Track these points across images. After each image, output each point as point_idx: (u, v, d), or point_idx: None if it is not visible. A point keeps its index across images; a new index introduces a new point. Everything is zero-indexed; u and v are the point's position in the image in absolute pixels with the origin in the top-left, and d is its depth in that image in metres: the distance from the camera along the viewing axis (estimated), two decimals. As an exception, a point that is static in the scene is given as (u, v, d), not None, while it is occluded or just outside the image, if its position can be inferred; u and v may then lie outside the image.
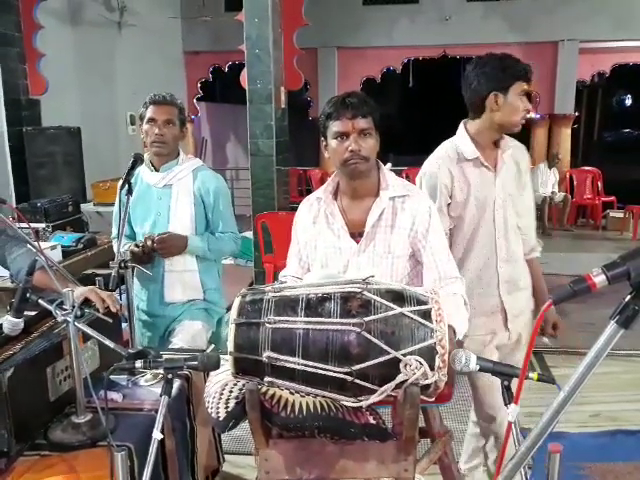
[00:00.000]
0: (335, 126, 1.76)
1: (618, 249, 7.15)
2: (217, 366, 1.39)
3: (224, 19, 8.27)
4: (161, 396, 1.33)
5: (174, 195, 2.46)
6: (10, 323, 1.63)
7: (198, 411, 1.95)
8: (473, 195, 2.05)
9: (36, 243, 1.86)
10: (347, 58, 9.65)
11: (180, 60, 8.90)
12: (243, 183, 8.73)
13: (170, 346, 2.39)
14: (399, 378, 1.38)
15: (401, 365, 1.38)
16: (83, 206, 5.54)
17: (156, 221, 2.48)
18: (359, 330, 1.39)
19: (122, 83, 7.26)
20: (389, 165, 7.04)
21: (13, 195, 5.28)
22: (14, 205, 4.67)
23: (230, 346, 1.41)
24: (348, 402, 1.43)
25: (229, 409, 1.46)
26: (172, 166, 2.48)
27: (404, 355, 1.38)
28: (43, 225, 3.92)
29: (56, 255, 3.40)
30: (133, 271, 2.22)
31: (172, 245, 2.38)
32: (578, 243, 8.14)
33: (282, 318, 1.41)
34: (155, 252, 2.36)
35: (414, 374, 1.37)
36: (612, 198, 9.09)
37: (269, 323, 1.41)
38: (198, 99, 10.17)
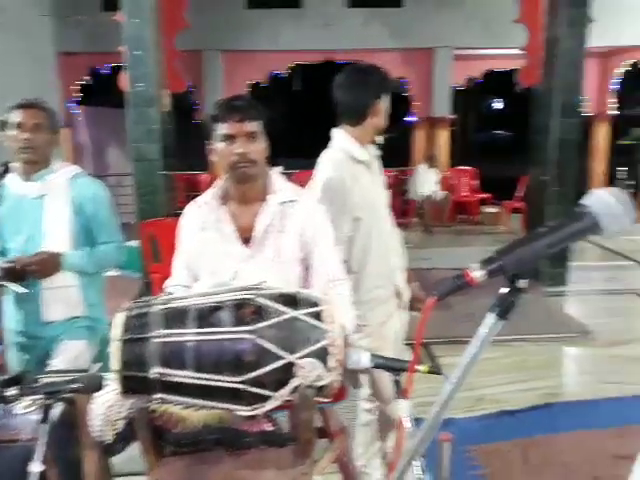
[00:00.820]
0: (222, 129, 1.73)
1: (494, 242, 7.70)
2: (101, 387, 1.31)
3: (101, 19, 7.88)
4: (40, 424, 1.23)
5: (49, 206, 2.27)
6: None
7: (84, 435, 1.82)
8: (366, 195, 2.14)
9: None
10: (232, 61, 9.57)
11: (52, 62, 8.32)
12: (127, 190, 8.36)
13: (50, 368, 2.22)
14: (294, 382, 1.38)
15: (295, 369, 1.37)
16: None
17: (30, 235, 2.27)
18: (253, 337, 1.36)
19: (-14, 85, 6.67)
20: (280, 168, 7.07)
21: None
22: None
23: (115, 364, 1.33)
24: (243, 411, 1.40)
25: (117, 431, 1.38)
26: (46, 174, 2.29)
27: (298, 358, 1.37)
28: None
29: None
30: (4, 290, 2.03)
31: (45, 267, 2.18)
32: (458, 238, 8.67)
33: (171, 331, 1.36)
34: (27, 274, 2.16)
35: (309, 377, 1.37)
36: (487, 195, 9.78)
37: (157, 337, 1.35)
38: (75, 103, 9.60)
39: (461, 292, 0.88)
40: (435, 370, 1.39)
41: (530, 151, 6.03)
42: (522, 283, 0.82)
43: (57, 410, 1.60)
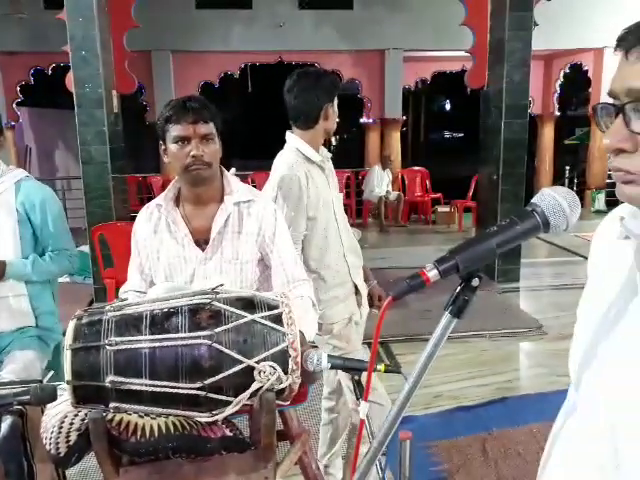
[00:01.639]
0: (175, 130, 1.70)
1: (447, 241, 7.86)
2: (53, 397, 1.26)
3: (44, 17, 7.63)
4: (-13, 439, 1.18)
5: None
6: None
7: (36, 448, 1.76)
8: (321, 195, 2.16)
9: None
10: (183, 62, 9.43)
11: (-7, 61, 8.02)
12: (76, 193, 8.12)
13: (-2, 380, 2.13)
14: (254, 386, 1.37)
15: (255, 373, 1.36)
16: None
17: None
18: (210, 342, 1.34)
19: None
20: (233, 170, 7.00)
21: None
22: None
23: (67, 374, 1.29)
24: (202, 417, 1.38)
25: (70, 443, 1.33)
26: None
27: (257, 362, 1.36)
28: None
29: None
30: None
31: None
32: (412, 237, 8.81)
33: (125, 339, 1.32)
34: None
35: (268, 380, 1.37)
36: (439, 195, 9.97)
37: (110, 345, 1.31)
38: (18, 104, 9.27)
39: (417, 291, 0.89)
40: (393, 369, 1.40)
41: (480, 151, 6.18)
42: (475, 281, 0.84)
43: (7, 423, 1.54)
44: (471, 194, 8.95)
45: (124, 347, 1.32)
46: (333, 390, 2.40)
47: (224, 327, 1.37)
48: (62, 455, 1.34)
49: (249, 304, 1.45)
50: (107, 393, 1.30)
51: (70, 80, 4.98)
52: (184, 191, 1.81)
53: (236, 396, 1.37)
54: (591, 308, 0.82)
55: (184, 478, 1.42)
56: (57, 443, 1.34)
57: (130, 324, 1.35)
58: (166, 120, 1.72)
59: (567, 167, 11.11)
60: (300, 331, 1.51)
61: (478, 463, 2.70)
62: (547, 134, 11.07)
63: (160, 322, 1.36)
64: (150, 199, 1.92)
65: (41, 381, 1.98)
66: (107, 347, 1.31)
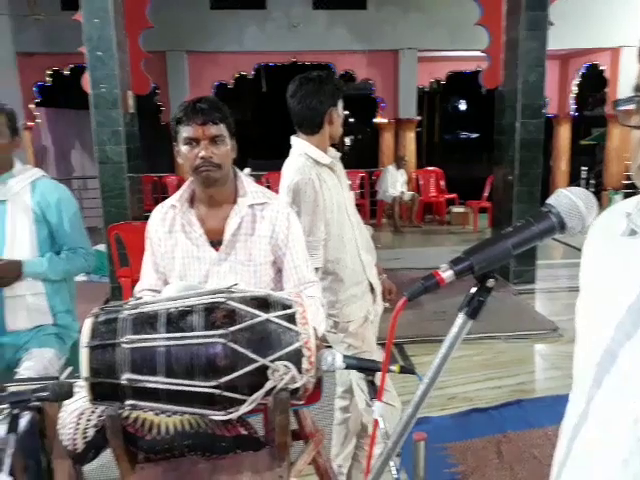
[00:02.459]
0: (185, 132, 1.71)
1: (462, 242, 7.83)
2: (70, 394, 1.28)
3: (61, 18, 7.71)
4: (7, 434, 1.19)
5: (10, 212, 2.21)
6: None
7: (54, 444, 1.78)
8: (334, 197, 2.17)
9: None
10: (198, 63, 9.48)
11: (11, 62, 8.12)
12: (92, 193, 8.20)
13: (17, 377, 2.16)
14: (268, 385, 1.37)
15: (269, 372, 1.37)
16: None
17: None
18: (225, 341, 1.35)
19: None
20: (248, 170, 7.03)
21: None
22: None
23: (84, 371, 1.31)
24: (217, 416, 1.39)
25: (88, 439, 1.35)
26: (6, 179, 2.22)
27: (272, 361, 1.37)
28: None
29: None
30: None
31: (3, 276, 2.12)
32: (426, 238, 8.77)
33: (141, 337, 1.34)
34: None
35: (283, 379, 1.37)
36: (454, 195, 9.92)
37: (126, 343, 1.32)
38: (36, 104, 9.37)
39: (431, 292, 0.89)
40: (408, 369, 1.40)
41: (495, 151, 6.14)
42: (490, 282, 0.84)
43: (25, 419, 1.56)
44: (486, 195, 8.90)
45: (140, 345, 1.33)
46: (347, 389, 2.41)
47: (239, 326, 1.38)
48: (79, 451, 1.36)
49: (263, 303, 1.46)
50: (123, 391, 1.32)
51: (86, 81, 5.04)
52: (198, 192, 1.83)
53: (251, 395, 1.38)
54: (601, 307, 0.81)
55: (199, 476, 1.43)
56: (74, 439, 1.36)
57: (146, 322, 1.37)
58: (177, 121, 1.73)
59: (583, 168, 11.00)
60: (315, 330, 1.52)
61: (493, 465, 2.69)
62: (563, 134, 10.97)
63: (176, 321, 1.38)
64: (165, 199, 1.94)
65: (58, 378, 2.01)
66: (123, 345, 1.32)
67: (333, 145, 2.31)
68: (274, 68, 10.38)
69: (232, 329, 1.37)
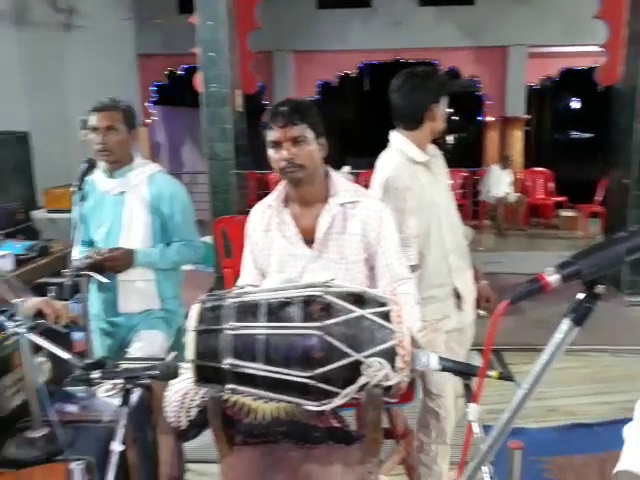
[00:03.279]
0: (270, 135, 1.77)
1: (570, 247, 7.40)
2: (176, 375, 1.37)
3: (177, 21, 8.17)
4: (121, 407, 1.30)
5: (128, 203, 2.38)
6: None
7: (159, 421, 1.91)
8: (426, 196, 2.14)
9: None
10: (303, 61, 9.68)
11: (133, 63, 8.72)
12: (201, 187, 8.63)
13: (128, 355, 2.33)
14: (361, 380, 1.39)
15: (363, 367, 1.38)
16: (34, 213, 5.37)
17: (110, 230, 2.40)
18: (321, 334, 1.38)
19: (73, 87, 7.06)
20: (347, 169, 7.07)
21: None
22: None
23: (190, 354, 1.39)
24: (311, 406, 1.42)
25: (191, 417, 1.44)
26: (125, 172, 2.40)
27: (366, 357, 1.38)
28: (-8, 234, 3.77)
29: (8, 264, 3.28)
30: (88, 280, 2.16)
31: (119, 264, 2.30)
32: (532, 242, 8.39)
33: (243, 324, 1.40)
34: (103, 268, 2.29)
35: (376, 376, 1.38)
36: (563, 198, 9.40)
37: (230, 329, 1.39)
38: (153, 103, 10.00)
39: (535, 297, 0.86)
40: (506, 376, 1.36)
41: (611, 153, 5.75)
42: (599, 289, 0.80)
43: (136, 395, 1.69)
44: (599, 199, 8.35)
45: (242, 332, 1.39)
46: (439, 392, 2.36)
47: (334, 320, 1.41)
48: (183, 428, 1.45)
49: (359, 299, 1.47)
50: (225, 374, 1.39)
51: (198, 80, 5.30)
52: (290, 192, 1.88)
53: (344, 389, 1.40)
54: None
55: (292, 462, 1.48)
56: (179, 417, 1.45)
57: (248, 311, 1.43)
58: (264, 126, 1.79)
59: None
60: (409, 329, 1.51)
61: (595, 484, 2.54)
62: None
63: (275, 311, 1.42)
64: (267, 195, 2.01)
65: (164, 359, 2.15)
66: (227, 331, 1.39)
67: (435, 141, 2.27)
68: (377, 66, 10.36)
69: (328, 322, 1.39)
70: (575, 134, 23.62)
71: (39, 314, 1.75)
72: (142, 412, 1.81)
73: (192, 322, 1.41)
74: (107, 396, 1.82)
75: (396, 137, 2.20)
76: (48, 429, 1.57)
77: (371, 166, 2.37)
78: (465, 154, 14.29)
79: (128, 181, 2.40)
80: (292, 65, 9.73)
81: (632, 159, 5.23)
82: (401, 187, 2.07)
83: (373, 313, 1.43)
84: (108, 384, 1.84)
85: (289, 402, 1.43)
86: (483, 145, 10.23)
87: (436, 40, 9.10)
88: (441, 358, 1.39)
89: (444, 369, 1.39)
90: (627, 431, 1.13)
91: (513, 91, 9.49)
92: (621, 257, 0.78)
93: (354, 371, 1.39)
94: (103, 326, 2.48)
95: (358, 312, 1.42)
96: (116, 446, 1.23)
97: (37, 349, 1.57)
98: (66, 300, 1.90)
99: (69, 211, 2.53)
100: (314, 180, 1.82)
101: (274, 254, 1.87)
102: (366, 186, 2.10)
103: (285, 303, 1.45)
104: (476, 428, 1.21)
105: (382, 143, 2.29)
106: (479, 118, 10.32)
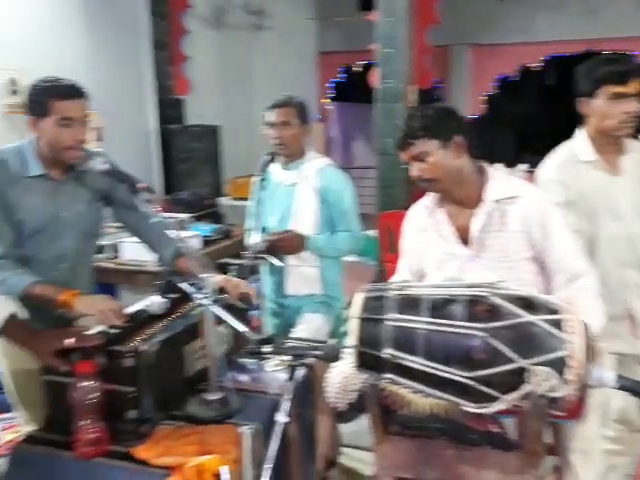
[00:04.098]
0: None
1: None
2: (338, 358, 1.43)
3: (357, 19, 8.37)
4: (287, 381, 1.40)
5: (299, 193, 2.55)
6: (156, 303, 1.80)
7: (319, 401, 2.01)
8: (589, 198, 1.97)
9: (180, 231, 2.03)
10: (481, 55, 9.33)
11: (313, 60, 9.14)
12: (369, 182, 8.79)
13: (293, 335, 2.49)
14: (525, 388, 1.33)
15: (528, 375, 1.32)
16: (219, 199, 5.91)
17: (282, 217, 2.58)
18: (485, 335, 1.35)
19: (258, 84, 7.60)
20: (524, 167, 6.70)
21: (160, 187, 5.74)
22: (160, 196, 5.13)
23: (353, 339, 1.44)
24: (469, 407, 1.40)
25: (350, 401, 1.49)
26: (299, 165, 2.57)
27: (532, 365, 1.32)
28: (185, 216, 4.23)
29: (197, 243, 3.68)
30: (264, 262, 2.33)
31: (290, 245, 2.46)
32: None
33: (404, 317, 1.42)
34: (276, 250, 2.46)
35: (541, 385, 1.31)
36: None
37: (391, 320, 1.42)
38: (329, 99, 10.38)
39: None
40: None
41: None
42: None
43: (300, 372, 1.80)
44: None
45: (403, 324, 1.41)
46: (620, 417, 2.13)
47: (500, 323, 1.36)
48: (342, 410, 1.51)
49: (528, 304, 1.41)
50: (384, 364, 1.42)
51: (374, 76, 5.39)
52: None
53: (505, 394, 1.36)
54: None
55: (445, 461, 1.47)
56: (338, 398, 1.51)
57: (410, 304, 1.44)
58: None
59: None
60: (586, 327, 1.40)
61: None
62: None
63: (438, 307, 1.42)
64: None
65: (326, 342, 2.26)
66: (388, 322, 1.42)
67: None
68: (564, 59, 9.64)
69: (493, 325, 1.36)
70: None
71: (221, 290, 1.95)
72: (304, 390, 1.92)
73: (356, 309, 1.46)
74: (274, 370, 1.97)
75: (577, 133, 2.06)
76: (223, 394, 1.75)
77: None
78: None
79: (300, 173, 2.56)
80: (470, 59, 9.44)
81: None
82: (555, 188, 1.94)
83: (543, 320, 1.36)
84: (276, 359, 1.99)
85: (447, 400, 1.42)
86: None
87: (637, 29, 8.20)
88: (620, 376, 1.28)
89: (622, 388, 1.27)
90: None
91: None
92: None
93: (518, 378, 1.33)
94: (272, 306, 2.68)
95: (527, 318, 1.37)
96: (281, 417, 1.33)
97: (219, 321, 1.74)
98: (244, 279, 2.08)
99: (248, 199, 2.76)
100: (461, 182, 1.78)
101: (431, 254, 1.87)
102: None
103: (449, 300, 1.43)
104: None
105: (564, 140, 2.14)
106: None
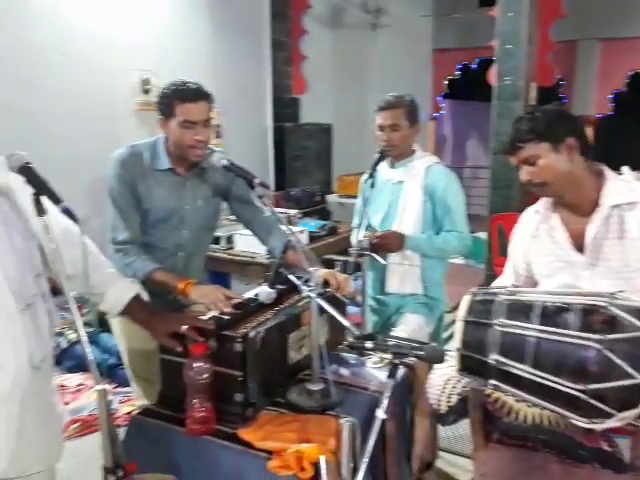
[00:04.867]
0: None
1: None
2: (441, 360, 1.41)
3: (475, 15, 8.12)
4: (387, 379, 1.40)
5: (405, 191, 2.54)
6: (265, 293, 1.88)
7: (418, 401, 1.99)
8: None
9: (290, 226, 2.10)
10: (612, 51, 8.68)
11: (428, 58, 8.99)
12: (481, 182, 8.52)
13: (393, 334, 2.48)
14: (643, 407, 1.24)
15: (647, 392, 1.23)
16: (328, 197, 6.02)
17: (386, 215, 2.59)
18: (600, 347, 1.28)
19: (372, 82, 7.62)
20: (626, 169, 6.17)
21: (273, 183, 5.94)
22: (273, 192, 5.34)
23: (457, 342, 1.42)
24: (579, 422, 1.33)
25: (451, 403, 1.47)
26: (406, 163, 2.56)
27: (654, 383, 1.23)
28: (295, 211, 4.36)
29: (304, 239, 3.78)
30: (367, 260, 2.35)
31: (388, 243, 2.44)
32: None
33: (514, 322, 1.37)
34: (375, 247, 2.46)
35: (663, 405, 1.22)
36: None
37: (499, 326, 1.38)
38: (443, 97, 10.18)
39: None
40: None
41: None
42: None
43: (401, 371, 1.80)
44: None
45: (512, 330, 1.37)
46: None
47: (618, 335, 1.28)
48: (442, 412, 1.49)
49: (651, 318, 1.31)
50: (489, 369, 1.38)
51: (492, 73, 5.22)
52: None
53: (620, 411, 1.27)
54: None
55: (551, 475, 1.41)
56: (439, 400, 1.50)
57: (521, 310, 1.39)
58: None
59: None
60: None
61: None
62: None
63: (551, 315, 1.36)
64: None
65: (427, 344, 2.23)
66: (496, 327, 1.38)
67: None
68: None
69: (610, 337, 1.28)
70: None
71: (325, 283, 1.99)
72: (404, 389, 1.92)
73: (462, 312, 1.44)
74: (375, 367, 1.98)
75: None
76: (324, 385, 1.79)
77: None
78: None
79: (407, 171, 2.55)
80: (598, 54, 8.81)
81: None
82: None
83: (668, 336, 1.26)
84: (376, 357, 2.01)
85: (555, 412, 1.35)
86: None
87: None
88: None
89: None
90: None
91: None
92: None
93: (635, 394, 1.25)
94: (372, 303, 2.70)
95: (649, 331, 1.27)
96: (380, 413, 1.33)
97: (321, 313, 1.78)
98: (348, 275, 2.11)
99: (356, 197, 2.79)
100: (575, 186, 1.68)
101: (543, 260, 1.79)
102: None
103: (562, 308, 1.37)
104: None
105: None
106: None
